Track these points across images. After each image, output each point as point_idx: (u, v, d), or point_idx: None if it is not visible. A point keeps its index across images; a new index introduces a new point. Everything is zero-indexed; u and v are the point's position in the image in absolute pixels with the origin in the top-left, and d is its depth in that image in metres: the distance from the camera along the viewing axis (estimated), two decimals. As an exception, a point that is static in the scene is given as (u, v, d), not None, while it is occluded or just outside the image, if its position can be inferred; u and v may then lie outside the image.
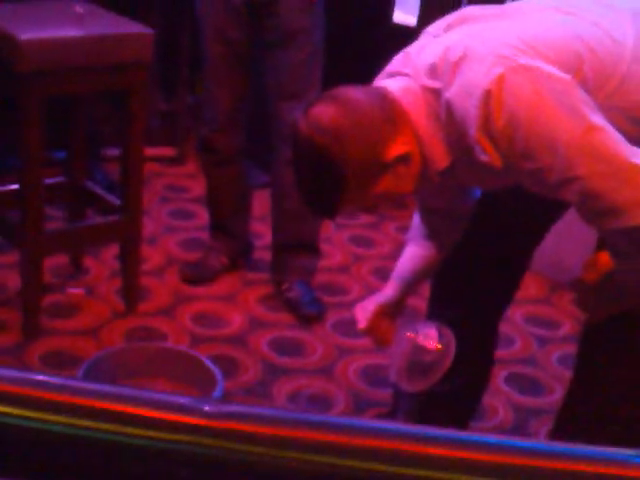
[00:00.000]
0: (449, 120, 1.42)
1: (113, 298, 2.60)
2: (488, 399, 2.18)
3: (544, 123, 1.34)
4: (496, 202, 1.80)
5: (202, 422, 0.59)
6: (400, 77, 1.49)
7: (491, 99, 1.33)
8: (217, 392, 1.99)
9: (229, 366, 2.34)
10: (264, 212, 3.11)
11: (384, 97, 1.46)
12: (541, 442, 1.01)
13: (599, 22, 1.49)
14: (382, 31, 3.32)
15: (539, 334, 2.66)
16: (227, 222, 2.78)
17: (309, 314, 2.62)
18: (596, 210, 1.40)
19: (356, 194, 1.43)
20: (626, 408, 1.80)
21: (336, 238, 3.17)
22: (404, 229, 3.30)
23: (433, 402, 2.09)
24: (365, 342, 2.55)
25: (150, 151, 3.49)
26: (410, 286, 1.87)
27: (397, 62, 1.54)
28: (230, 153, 2.65)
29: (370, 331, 1.82)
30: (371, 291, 2.82)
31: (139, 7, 3.48)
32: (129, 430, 0.56)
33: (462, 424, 2.15)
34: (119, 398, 0.57)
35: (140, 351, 2.16)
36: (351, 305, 2.74)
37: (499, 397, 2.31)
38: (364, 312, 1.83)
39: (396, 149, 1.42)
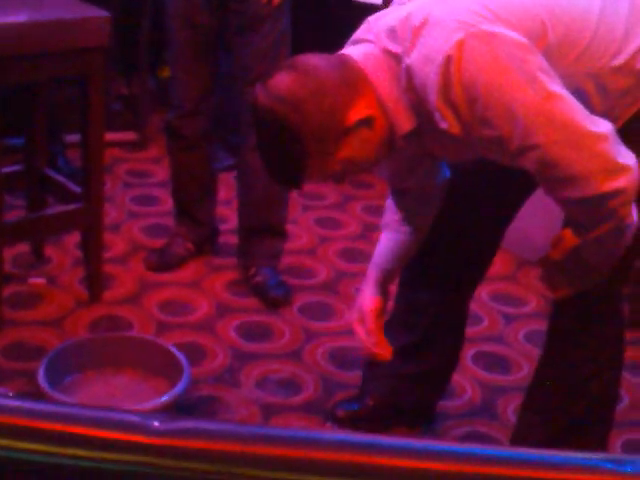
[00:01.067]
0: (409, 85, 1.41)
1: (76, 287, 2.57)
2: (456, 377, 2.19)
3: (503, 90, 1.33)
4: (466, 183, 1.80)
5: (152, 440, 0.56)
6: (362, 44, 1.48)
7: (451, 65, 1.33)
8: (184, 380, 1.97)
9: (196, 353, 2.33)
10: (229, 196, 3.09)
11: (345, 63, 1.45)
12: (505, 449, 0.98)
13: None
14: (347, 11, 3.30)
15: (506, 311, 2.67)
16: (192, 208, 2.75)
17: (276, 298, 2.60)
18: (554, 179, 1.41)
19: (320, 161, 1.42)
20: (596, 385, 1.83)
21: (302, 220, 3.15)
22: (370, 209, 3.30)
23: (403, 384, 2.10)
24: (333, 324, 2.55)
25: (112, 136, 3.45)
26: (392, 275, 1.86)
27: (360, 30, 1.53)
28: (196, 139, 2.62)
29: (379, 345, 1.80)
30: (338, 273, 2.83)
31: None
32: (71, 451, 0.53)
33: (431, 404, 2.16)
34: (59, 416, 0.54)
35: (105, 341, 2.14)
36: (318, 288, 2.76)
37: (466, 375, 2.32)
38: (365, 329, 1.81)
39: (358, 113, 1.41)
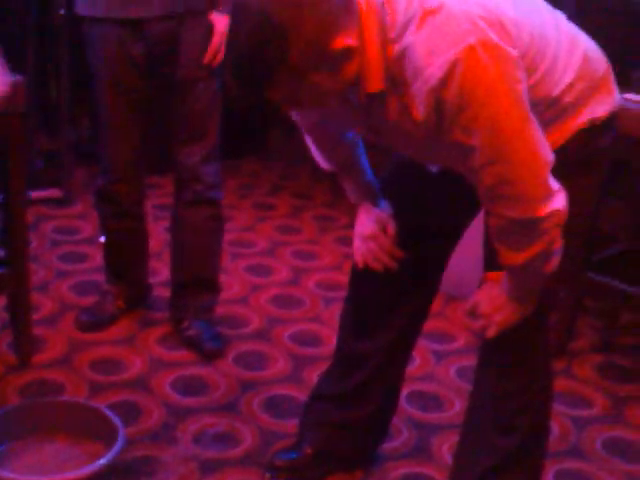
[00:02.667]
0: (399, 60, 1.40)
1: (5, 351, 2.52)
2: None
3: (495, 107, 1.38)
4: (407, 215, 1.85)
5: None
6: None
7: (457, 67, 1.34)
8: (118, 442, 1.95)
9: (131, 412, 2.30)
10: (160, 248, 3.09)
11: None
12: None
13: (535, 17, 1.55)
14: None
15: (436, 349, 2.72)
16: (125, 269, 2.74)
17: (210, 350, 2.60)
18: (505, 196, 1.48)
19: (291, 72, 1.35)
20: (527, 418, 1.86)
21: (232, 268, 3.16)
22: (299, 254, 3.34)
23: (342, 430, 2.10)
24: (268, 373, 2.56)
25: (36, 194, 3.43)
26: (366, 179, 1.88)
27: None
28: (130, 203, 2.61)
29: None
30: (270, 320, 2.84)
31: (13, 50, 3.40)
32: None
33: (371, 449, 2.17)
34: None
35: (36, 407, 2.10)
36: (251, 336, 2.77)
37: (401, 416, 2.35)
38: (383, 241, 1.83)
39: (345, 40, 1.36)
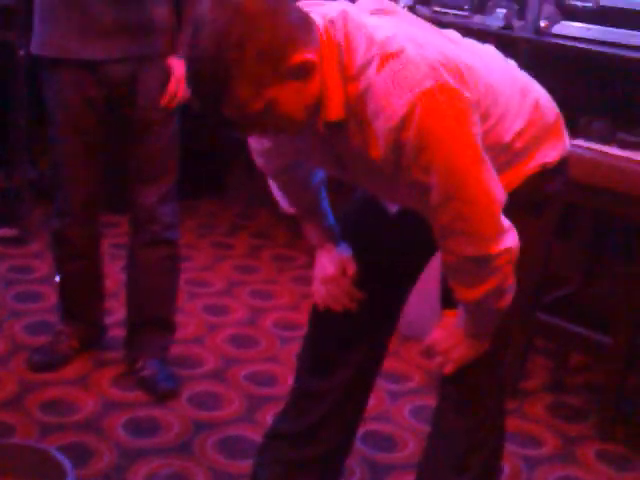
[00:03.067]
0: (360, 98, 1.43)
1: (-45, 393, 2.49)
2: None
3: (452, 148, 1.42)
4: (367, 256, 1.87)
5: None
6: (322, 17, 1.46)
7: (416, 109, 1.38)
8: (68, 485, 1.93)
9: (82, 454, 2.28)
10: (116, 287, 3.08)
11: (306, 14, 1.42)
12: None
13: (491, 66, 1.61)
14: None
15: (390, 389, 2.74)
16: (79, 310, 2.73)
17: (164, 391, 2.58)
18: (460, 232, 1.52)
19: (248, 86, 1.34)
20: (480, 456, 1.87)
21: (189, 308, 3.16)
22: (256, 294, 3.35)
23: (295, 470, 2.08)
24: (222, 414, 2.55)
25: (-10, 233, 3.41)
26: (325, 217, 1.90)
27: (318, 5, 1.51)
28: (85, 245, 2.60)
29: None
30: (226, 360, 2.84)
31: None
32: None
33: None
34: None
35: (-16, 450, 2.07)
36: (207, 376, 2.76)
37: (355, 456, 2.35)
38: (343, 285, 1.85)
39: (303, 55, 1.37)
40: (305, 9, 1.47)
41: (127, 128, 2.45)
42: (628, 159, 2.33)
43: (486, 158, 1.49)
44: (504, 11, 2.73)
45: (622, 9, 2.53)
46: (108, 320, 2.88)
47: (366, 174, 1.58)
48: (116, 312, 2.95)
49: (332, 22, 1.46)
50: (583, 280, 2.82)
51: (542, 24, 2.65)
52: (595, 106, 2.75)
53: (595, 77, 2.82)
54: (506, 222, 1.53)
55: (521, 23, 2.70)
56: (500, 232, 1.52)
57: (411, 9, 2.89)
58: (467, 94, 1.44)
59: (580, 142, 2.45)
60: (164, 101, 2.37)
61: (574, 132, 2.49)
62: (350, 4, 1.55)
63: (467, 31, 2.81)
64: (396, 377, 2.80)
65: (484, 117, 1.54)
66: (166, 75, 2.36)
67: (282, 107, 1.40)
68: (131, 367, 2.66)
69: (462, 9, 2.85)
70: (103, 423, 2.44)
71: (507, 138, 1.60)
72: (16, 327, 2.90)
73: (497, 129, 1.58)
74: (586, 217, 2.79)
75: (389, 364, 2.82)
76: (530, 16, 2.70)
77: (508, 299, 1.62)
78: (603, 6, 2.56)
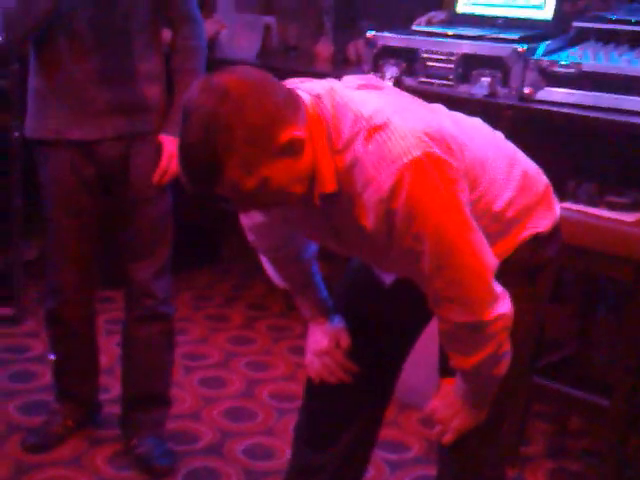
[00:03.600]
0: (348, 171, 1.45)
1: (-52, 478, 2.45)
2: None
3: (440, 216, 1.44)
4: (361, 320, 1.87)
5: None
6: (309, 94, 1.49)
7: (404, 178, 1.40)
8: None
9: (77, 537, 2.23)
10: (111, 364, 3.06)
11: (292, 91, 1.45)
12: None
13: (475, 136, 1.63)
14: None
15: (390, 458, 2.70)
16: (74, 388, 2.70)
17: (160, 468, 2.54)
18: (451, 299, 1.52)
19: (240, 168, 1.36)
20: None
21: (185, 382, 3.13)
22: (253, 365, 3.33)
23: None
24: (219, 490, 2.51)
25: (-15, 312, 3.40)
26: (317, 292, 1.90)
27: (305, 82, 1.54)
28: (78, 325, 2.59)
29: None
30: (223, 434, 2.80)
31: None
32: None
33: None
34: None
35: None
36: (203, 451, 2.72)
37: (356, 531, 2.30)
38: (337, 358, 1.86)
39: (292, 132, 1.39)
40: (291, 86, 1.51)
41: (119, 205, 2.46)
42: (617, 220, 2.35)
43: (475, 226, 1.50)
44: (488, 79, 2.78)
45: (604, 74, 2.58)
46: (103, 397, 2.85)
47: (360, 244, 1.59)
48: (112, 389, 2.92)
49: (319, 97, 1.49)
50: (578, 343, 2.81)
51: (526, 91, 2.70)
52: (582, 170, 2.78)
53: (581, 141, 2.86)
54: (499, 288, 1.54)
55: (505, 90, 2.75)
56: (493, 298, 1.53)
57: (397, 80, 2.94)
58: (454, 163, 1.46)
59: (568, 205, 2.47)
60: (156, 177, 2.40)
61: (562, 196, 2.52)
62: (336, 81, 1.59)
63: (453, 100, 2.88)
64: (395, 446, 2.77)
65: (472, 186, 1.57)
66: (158, 152, 2.39)
67: (276, 183, 1.42)
68: (127, 445, 2.63)
69: (447, 79, 2.90)
70: (98, 504, 2.40)
71: (497, 207, 1.62)
72: (10, 407, 2.87)
73: (486, 198, 1.60)
74: (578, 280, 2.79)
75: (388, 433, 2.80)
76: (514, 83, 2.74)
77: (504, 366, 1.62)
78: (585, 71, 2.61)
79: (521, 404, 2.63)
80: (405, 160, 1.41)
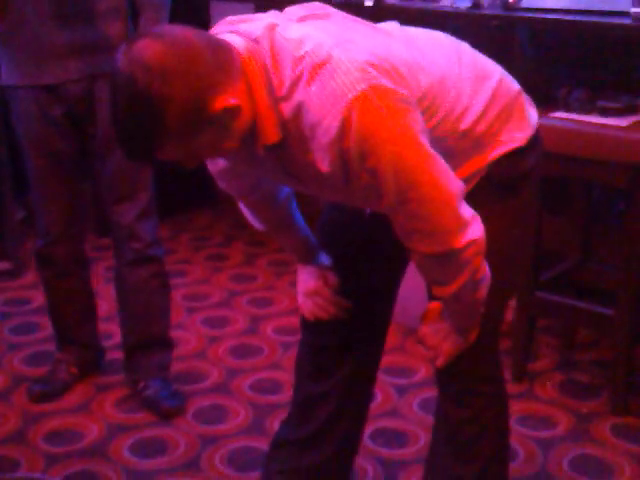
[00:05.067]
0: (294, 117, 1.40)
1: (-43, 432, 2.46)
2: (356, 459, 2.17)
3: (394, 149, 1.38)
4: (352, 236, 1.84)
5: None
6: (247, 38, 1.42)
7: (352, 115, 1.34)
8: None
9: (90, 481, 2.25)
10: (112, 310, 3.05)
11: (224, 47, 1.38)
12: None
13: (434, 55, 1.56)
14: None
15: (397, 383, 2.70)
16: (73, 332, 2.70)
17: (168, 409, 2.55)
18: (417, 231, 1.49)
19: (176, 142, 1.34)
20: (483, 444, 1.84)
21: (188, 323, 3.13)
22: (255, 301, 3.31)
23: (304, 476, 2.05)
24: (228, 426, 2.52)
25: (-16, 268, 3.40)
26: (301, 234, 1.88)
27: (245, 21, 1.48)
28: (69, 264, 2.58)
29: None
30: (229, 371, 2.81)
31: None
32: None
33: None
34: None
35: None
36: (211, 390, 2.73)
37: (366, 455, 2.31)
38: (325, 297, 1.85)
39: (225, 100, 1.34)
40: (228, 28, 1.45)
41: (94, 145, 2.43)
42: (610, 126, 2.29)
43: (435, 153, 1.44)
44: (471, -10, 2.69)
45: (590, -24, 2.49)
46: (107, 343, 2.86)
47: (321, 185, 1.54)
48: (114, 335, 2.91)
49: (257, 42, 1.42)
50: (581, 254, 2.78)
51: (510, -1, 2.62)
52: (573, 76, 2.71)
53: (570, 47, 2.78)
54: (468, 213, 1.49)
55: (489, 1, 2.66)
56: (462, 225, 1.48)
57: (378, -1, 2.86)
58: (404, 91, 1.40)
59: (560, 114, 2.40)
60: None
61: (554, 104, 2.47)
62: (278, 14, 1.52)
63: (436, 15, 2.80)
64: (402, 371, 2.76)
65: (434, 109, 1.51)
66: None
67: (214, 144, 1.39)
68: (133, 389, 2.64)
69: (429, -7, 2.82)
70: (109, 448, 2.41)
71: (464, 125, 1.56)
72: (15, 360, 2.87)
73: (451, 117, 1.54)
74: (578, 190, 2.74)
75: (394, 358, 2.80)
76: (498, -8, 2.66)
77: (484, 289, 1.59)
78: (570, -25, 2.53)
79: (525, 319, 2.61)
80: (350, 96, 1.35)
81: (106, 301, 3.09)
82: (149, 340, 2.60)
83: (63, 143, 2.42)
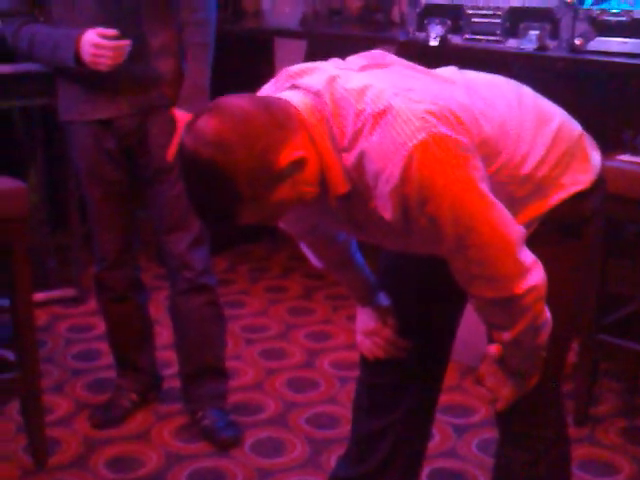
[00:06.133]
0: (357, 167, 1.43)
1: (20, 456, 2.51)
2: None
3: (454, 196, 1.40)
4: (411, 276, 1.84)
5: None
6: (306, 92, 1.46)
7: (412, 163, 1.37)
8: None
9: (148, 509, 2.27)
10: (172, 339, 3.09)
11: (279, 105, 1.42)
12: None
13: (494, 100, 1.57)
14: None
15: (456, 423, 2.68)
16: (131, 357, 2.75)
17: (226, 440, 2.57)
18: (477, 276, 1.49)
19: (253, 205, 1.39)
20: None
21: (246, 354, 3.16)
22: (313, 336, 3.33)
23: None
24: (285, 460, 2.52)
25: (49, 294, 3.48)
26: (364, 280, 1.89)
27: (306, 72, 1.50)
28: (124, 289, 2.65)
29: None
30: (286, 404, 2.82)
31: (22, 151, 3.50)
32: None
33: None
34: None
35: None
36: (268, 422, 2.74)
37: (424, 496, 2.30)
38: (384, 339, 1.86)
39: (289, 155, 1.38)
40: (289, 82, 1.48)
41: (146, 176, 2.50)
42: (678, 170, 2.27)
43: (494, 199, 1.45)
44: (537, 32, 2.69)
45: (656, 19, 2.48)
46: (167, 371, 2.90)
47: (382, 233, 1.56)
48: (174, 363, 2.94)
49: (318, 95, 1.44)
50: (645, 297, 2.73)
51: (577, 42, 2.61)
52: (639, 120, 2.68)
53: (636, 90, 2.76)
54: (529, 259, 1.49)
55: (555, 43, 2.66)
56: (522, 271, 1.48)
57: (443, 39, 2.87)
58: (464, 139, 1.41)
59: (627, 157, 2.39)
60: (170, 154, 2.40)
61: (619, 147, 2.45)
62: (339, 63, 1.54)
63: (501, 56, 2.81)
64: (461, 410, 2.74)
65: (494, 155, 1.52)
66: (172, 123, 2.40)
67: (288, 198, 1.43)
68: (192, 418, 2.66)
69: (494, 34, 2.82)
70: (168, 476, 2.44)
71: (525, 170, 1.56)
72: (77, 386, 2.93)
73: (512, 163, 1.55)
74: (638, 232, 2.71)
75: (452, 397, 2.78)
76: (564, 35, 2.65)
77: (545, 334, 1.58)
78: (638, 19, 2.51)
79: (588, 363, 2.58)
80: (410, 145, 1.37)
81: (166, 329, 3.13)
82: (204, 369, 2.63)
83: (116, 173, 2.49)
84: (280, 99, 1.45)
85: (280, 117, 1.40)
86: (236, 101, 1.40)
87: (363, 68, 1.52)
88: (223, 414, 2.64)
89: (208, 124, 1.37)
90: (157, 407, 2.78)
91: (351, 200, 1.50)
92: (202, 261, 2.55)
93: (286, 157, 1.39)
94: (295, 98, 1.45)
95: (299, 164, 1.41)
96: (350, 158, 1.43)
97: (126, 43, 2.28)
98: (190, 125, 1.39)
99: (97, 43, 2.26)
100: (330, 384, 2.95)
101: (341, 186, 1.46)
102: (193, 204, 1.43)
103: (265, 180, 1.38)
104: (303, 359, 3.14)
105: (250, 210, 1.40)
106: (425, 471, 2.39)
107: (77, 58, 2.30)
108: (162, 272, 3.71)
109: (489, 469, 2.04)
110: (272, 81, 1.56)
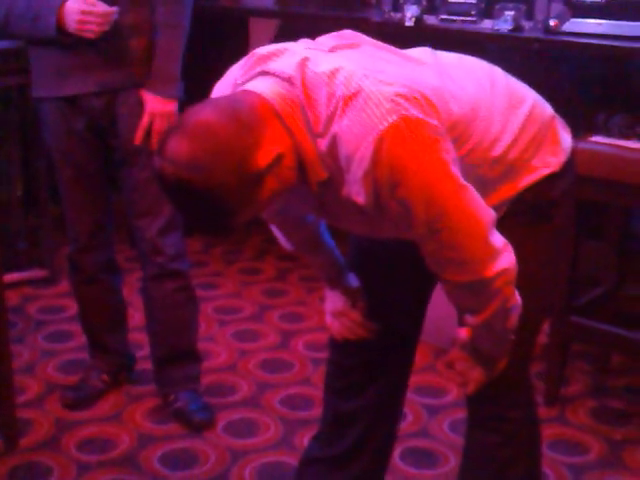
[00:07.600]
0: (330, 150, 1.42)
1: (-9, 437, 2.49)
2: (386, 478, 2.17)
3: (425, 179, 1.39)
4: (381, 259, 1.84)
5: None
6: (277, 79, 1.43)
7: (382, 145, 1.36)
8: (106, 523, 1.92)
9: (120, 490, 2.27)
10: (144, 321, 3.07)
11: (244, 105, 1.40)
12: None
13: (465, 82, 1.56)
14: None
15: (427, 403, 2.69)
16: (103, 338, 2.73)
17: (199, 422, 2.57)
18: (448, 260, 1.49)
19: (245, 209, 1.39)
20: (515, 469, 1.84)
21: (219, 335, 3.15)
22: (287, 317, 3.33)
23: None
24: (258, 440, 2.52)
25: (20, 276, 3.44)
26: (335, 264, 1.88)
27: (276, 54, 1.47)
28: (97, 271, 2.62)
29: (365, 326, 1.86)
30: (260, 385, 2.82)
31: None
32: None
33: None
34: None
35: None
36: (241, 403, 2.74)
37: (396, 475, 2.31)
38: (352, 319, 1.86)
39: (265, 155, 1.37)
40: (259, 69, 1.45)
41: (117, 158, 2.47)
42: (650, 152, 2.28)
43: (465, 183, 1.44)
44: (512, 13, 2.69)
45: (631, 1, 2.49)
46: (139, 353, 2.88)
47: (352, 218, 1.55)
48: (146, 345, 2.92)
49: (290, 81, 1.42)
50: (617, 279, 2.76)
51: (552, 23, 2.61)
52: (612, 101, 2.70)
53: (610, 72, 2.77)
54: (499, 242, 1.49)
55: (530, 24, 2.66)
56: (492, 254, 1.48)
57: (418, 19, 2.86)
58: (434, 122, 1.40)
59: (599, 138, 2.40)
60: (138, 138, 2.37)
61: (592, 129, 2.46)
62: (309, 44, 1.52)
63: (476, 37, 2.80)
64: (433, 391, 2.76)
65: (465, 137, 1.51)
66: (140, 106, 2.37)
67: (275, 189, 1.42)
68: (164, 400, 2.65)
69: (470, 14, 2.82)
70: (140, 458, 2.43)
71: (496, 152, 1.56)
72: (49, 367, 2.91)
73: (482, 146, 1.54)
74: (615, 215, 2.73)
75: (425, 378, 2.80)
76: (539, 16, 2.66)
77: (514, 318, 1.58)
78: (612, 1, 2.52)
79: (559, 343, 2.60)
80: (381, 128, 1.36)
81: (139, 311, 3.11)
82: (177, 353, 2.62)
83: (87, 155, 2.46)
84: (246, 94, 1.42)
85: (247, 119, 1.38)
86: (201, 116, 1.37)
87: (333, 49, 1.51)
88: (196, 397, 2.63)
89: (179, 147, 1.35)
90: (129, 388, 2.77)
91: (329, 186, 1.48)
92: (173, 246, 2.52)
93: (264, 158, 1.37)
94: (266, 88, 1.43)
95: (277, 160, 1.39)
96: (324, 143, 1.42)
97: (113, 10, 2.24)
98: (161, 148, 1.37)
99: (84, 10, 2.22)
100: (304, 365, 2.95)
101: (320, 172, 1.45)
102: (190, 222, 1.47)
103: (249, 186, 1.37)
104: (277, 340, 3.14)
105: (243, 214, 1.40)
106: (397, 451, 2.40)
107: (59, 28, 2.26)
108: (135, 254, 3.70)
109: (460, 449, 2.05)
110: (241, 63, 1.53)
